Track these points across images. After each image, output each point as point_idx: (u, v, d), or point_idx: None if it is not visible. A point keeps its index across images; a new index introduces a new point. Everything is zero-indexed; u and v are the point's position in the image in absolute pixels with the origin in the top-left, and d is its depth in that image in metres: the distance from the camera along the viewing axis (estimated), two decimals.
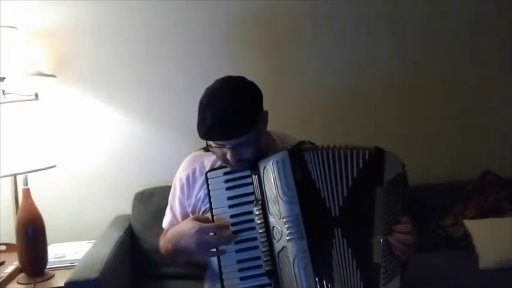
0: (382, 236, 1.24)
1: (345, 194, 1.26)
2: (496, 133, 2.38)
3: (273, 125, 1.45)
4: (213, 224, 1.29)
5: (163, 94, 2.19)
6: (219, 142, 1.28)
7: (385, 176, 1.27)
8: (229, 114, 1.24)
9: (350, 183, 1.26)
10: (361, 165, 1.27)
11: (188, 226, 1.32)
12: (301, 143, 1.41)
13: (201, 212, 1.44)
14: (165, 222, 1.56)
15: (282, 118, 1.71)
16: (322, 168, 1.26)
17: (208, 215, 1.34)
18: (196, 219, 1.34)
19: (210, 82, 1.34)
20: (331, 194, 1.26)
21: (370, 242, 1.24)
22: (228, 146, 1.27)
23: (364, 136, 2.16)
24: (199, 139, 1.31)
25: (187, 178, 1.47)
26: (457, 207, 2.14)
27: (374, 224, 1.24)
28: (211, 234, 1.27)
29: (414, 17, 2.31)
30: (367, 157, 1.28)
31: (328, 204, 1.25)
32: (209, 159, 1.46)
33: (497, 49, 2.37)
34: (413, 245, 1.24)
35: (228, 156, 1.28)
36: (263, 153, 1.31)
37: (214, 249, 1.29)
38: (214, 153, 1.36)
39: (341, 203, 1.26)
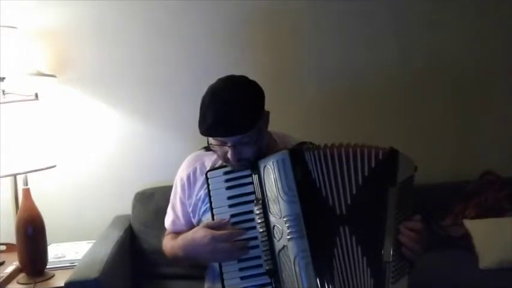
0: (393, 235, 1.24)
1: (354, 192, 1.25)
2: (496, 133, 2.38)
3: (273, 125, 1.45)
4: (225, 232, 1.28)
5: (164, 94, 2.19)
6: (220, 138, 1.28)
7: (398, 176, 1.27)
8: (231, 111, 1.24)
9: (360, 182, 1.26)
10: (373, 165, 1.27)
11: (200, 234, 1.31)
12: (303, 143, 1.41)
13: (201, 212, 1.45)
14: (167, 222, 1.56)
15: (282, 118, 1.70)
16: (324, 167, 1.26)
17: (210, 215, 1.34)
18: (208, 226, 1.32)
19: (211, 82, 1.34)
20: (336, 192, 1.26)
21: (381, 240, 1.24)
22: (229, 145, 1.27)
23: (364, 136, 2.15)
24: (200, 139, 1.32)
25: (188, 178, 1.48)
26: (457, 207, 2.14)
27: (385, 223, 1.24)
28: (223, 244, 1.27)
29: (415, 17, 2.31)
30: (380, 157, 1.28)
31: (331, 203, 1.25)
32: (210, 159, 1.46)
33: (497, 49, 2.37)
34: (422, 243, 1.24)
35: (229, 155, 1.28)
36: (264, 154, 1.31)
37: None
38: (215, 152, 1.36)
39: (349, 202, 1.25)
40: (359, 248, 1.23)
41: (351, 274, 1.22)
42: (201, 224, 1.36)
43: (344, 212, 1.25)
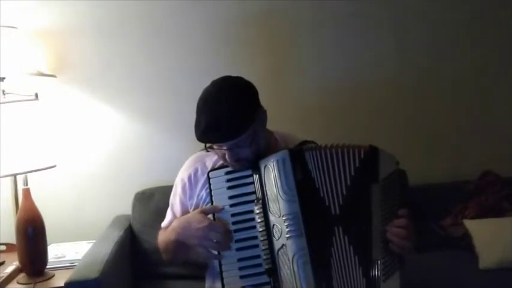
0: (380, 232, 1.25)
1: (344, 192, 1.27)
2: (496, 133, 2.38)
3: (273, 125, 1.45)
4: (221, 224, 1.30)
5: (163, 94, 2.19)
6: (216, 143, 1.29)
7: (380, 173, 1.28)
8: (222, 117, 1.25)
9: (348, 182, 1.27)
10: (357, 164, 1.28)
11: (197, 218, 1.33)
12: (304, 142, 1.41)
13: None
14: (165, 222, 1.57)
15: (282, 118, 1.71)
16: (321, 168, 1.27)
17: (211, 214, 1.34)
18: (203, 211, 1.34)
19: (210, 82, 1.34)
20: (331, 192, 1.27)
21: (370, 238, 1.25)
22: (225, 148, 1.28)
23: (364, 136, 2.15)
24: None
25: (189, 178, 1.48)
26: (457, 207, 2.13)
27: (372, 220, 1.26)
28: (217, 234, 1.28)
29: (415, 18, 2.31)
30: (362, 155, 1.29)
31: (327, 203, 1.26)
32: (211, 159, 1.47)
33: (497, 49, 2.37)
34: (409, 239, 1.25)
35: (227, 157, 1.29)
36: (264, 153, 1.32)
37: (213, 251, 1.30)
38: (215, 153, 1.37)
39: (341, 202, 1.27)
40: (351, 248, 1.25)
41: (346, 273, 1.24)
42: (198, 210, 1.37)
43: (338, 212, 1.27)
